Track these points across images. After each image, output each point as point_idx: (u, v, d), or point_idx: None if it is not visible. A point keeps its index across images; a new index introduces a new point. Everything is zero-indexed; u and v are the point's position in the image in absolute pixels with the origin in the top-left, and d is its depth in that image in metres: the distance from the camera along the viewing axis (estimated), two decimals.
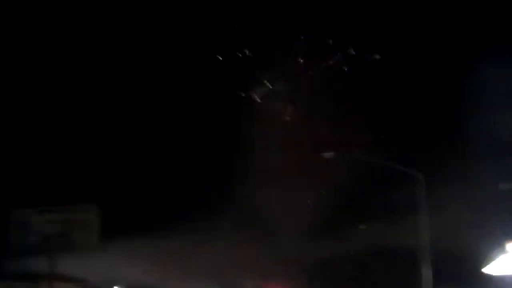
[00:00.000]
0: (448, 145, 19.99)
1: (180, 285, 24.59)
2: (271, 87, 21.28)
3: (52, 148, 22.83)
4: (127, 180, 22.39)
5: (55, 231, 15.27)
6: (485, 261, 14.69)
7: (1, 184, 20.47)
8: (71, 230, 15.29)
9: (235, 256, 23.35)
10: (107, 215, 15.89)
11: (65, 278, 20.74)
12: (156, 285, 23.96)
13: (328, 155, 16.44)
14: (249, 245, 23.01)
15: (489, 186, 16.67)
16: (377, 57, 20.87)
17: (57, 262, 15.07)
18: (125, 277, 21.94)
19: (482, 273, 15.58)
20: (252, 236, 23.27)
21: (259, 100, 21.79)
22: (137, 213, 22.03)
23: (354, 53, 21.14)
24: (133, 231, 20.82)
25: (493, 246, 13.78)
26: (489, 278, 16.41)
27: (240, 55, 20.91)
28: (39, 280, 20.27)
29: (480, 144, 19.09)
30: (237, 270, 24.94)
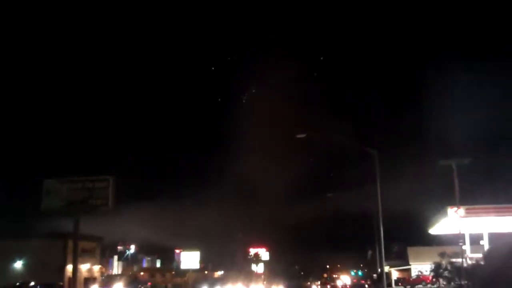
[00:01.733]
0: (398, 127, 23.29)
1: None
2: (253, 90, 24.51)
3: (76, 128, 25.85)
4: (136, 156, 25.46)
5: (78, 197, 17.16)
6: (430, 223, 18.16)
7: (35, 160, 23.37)
8: (91, 196, 17.19)
9: (222, 220, 26.72)
10: (120, 185, 18.08)
11: (87, 236, 23.72)
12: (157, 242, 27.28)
13: (301, 135, 18.96)
14: (235, 210, 26.35)
15: (431, 162, 19.63)
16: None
17: (80, 223, 17.26)
18: (134, 235, 25.25)
19: (427, 232, 18.94)
20: (237, 203, 26.52)
21: (244, 100, 25.13)
22: (145, 183, 25.10)
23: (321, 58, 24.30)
24: (140, 198, 23.97)
25: (436, 211, 17.29)
26: (432, 237, 19.77)
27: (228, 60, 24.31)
28: (66, 238, 23.32)
29: (425, 127, 22.15)
30: (224, 232, 28.28)
